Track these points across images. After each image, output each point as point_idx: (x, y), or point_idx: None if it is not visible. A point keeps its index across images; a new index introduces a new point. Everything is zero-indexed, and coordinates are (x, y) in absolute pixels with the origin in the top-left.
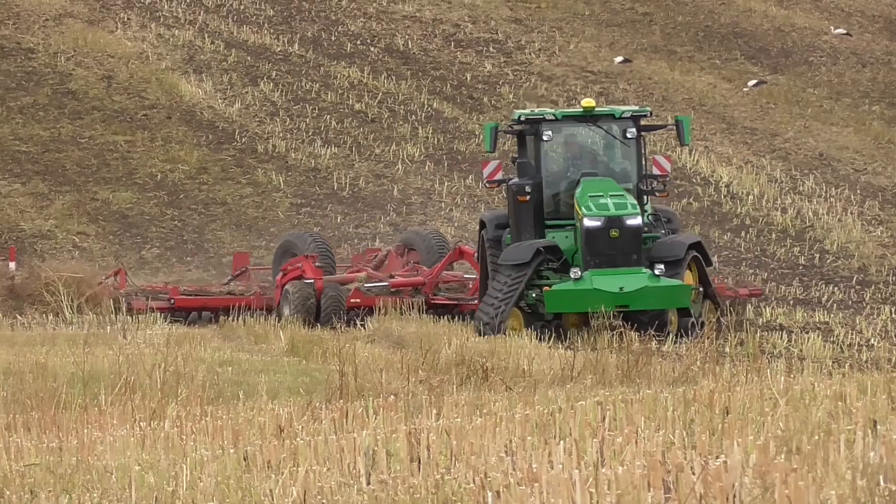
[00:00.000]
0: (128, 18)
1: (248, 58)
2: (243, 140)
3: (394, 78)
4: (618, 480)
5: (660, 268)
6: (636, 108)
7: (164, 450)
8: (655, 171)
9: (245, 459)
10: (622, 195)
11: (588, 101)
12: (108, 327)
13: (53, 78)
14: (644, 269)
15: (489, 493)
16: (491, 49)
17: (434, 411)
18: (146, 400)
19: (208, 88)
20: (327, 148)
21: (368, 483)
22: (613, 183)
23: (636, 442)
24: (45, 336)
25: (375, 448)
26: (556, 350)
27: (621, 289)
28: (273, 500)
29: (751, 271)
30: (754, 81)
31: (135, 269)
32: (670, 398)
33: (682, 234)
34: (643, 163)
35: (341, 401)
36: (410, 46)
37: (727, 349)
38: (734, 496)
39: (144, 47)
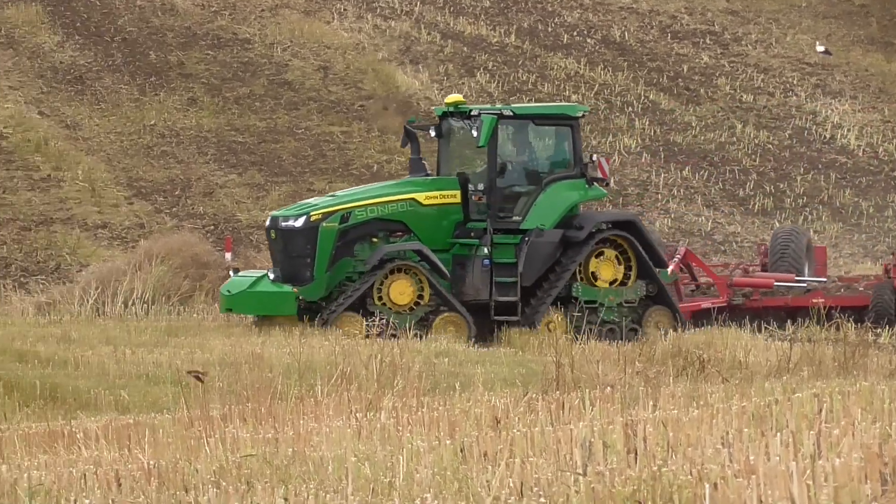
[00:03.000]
0: (344, 9)
1: (465, 49)
2: None
3: (610, 69)
4: (835, 472)
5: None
6: (502, 106)
7: (380, 441)
8: (598, 174)
9: (461, 451)
10: (350, 195)
11: (454, 97)
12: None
13: (270, 68)
14: (269, 273)
15: (706, 486)
16: (707, 40)
17: (650, 402)
18: (362, 391)
19: (424, 79)
20: None
21: (585, 474)
22: (399, 184)
23: (853, 434)
24: (260, 327)
25: (592, 439)
26: (773, 342)
27: (228, 291)
28: (490, 491)
29: None
30: (822, 48)
31: None
32: (887, 390)
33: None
34: (495, 160)
35: (557, 392)
36: (627, 38)
37: None
38: None
39: (361, 38)
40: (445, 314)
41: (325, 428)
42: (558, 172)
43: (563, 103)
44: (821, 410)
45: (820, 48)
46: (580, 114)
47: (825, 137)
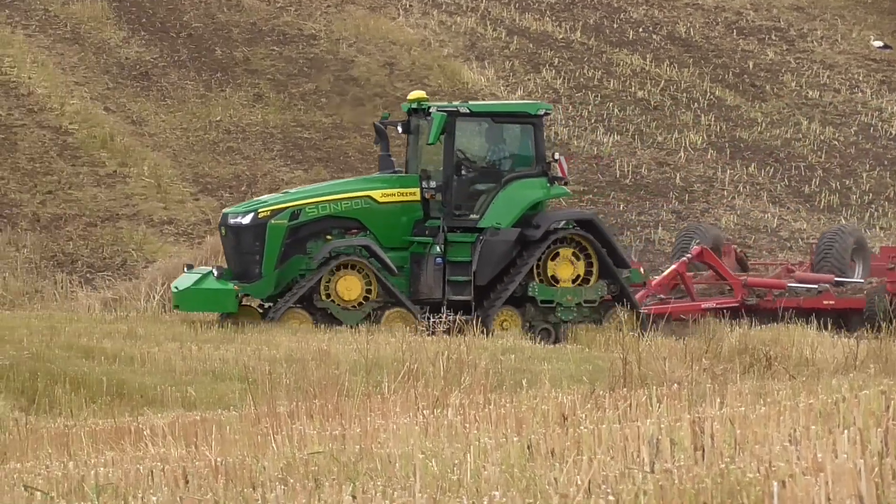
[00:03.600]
0: (409, 5)
1: (530, 45)
2: None
3: (676, 65)
4: None
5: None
6: (459, 103)
7: (447, 438)
8: (557, 173)
9: (529, 448)
10: (303, 192)
11: (416, 94)
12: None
13: (335, 64)
14: (212, 270)
15: (774, 484)
16: (773, 37)
17: (717, 400)
18: (429, 388)
19: (490, 76)
20: (609, 135)
21: (652, 472)
22: (362, 180)
23: None
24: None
25: (659, 437)
26: (840, 339)
27: (177, 288)
28: (557, 488)
29: None
30: (880, 44)
31: None
32: None
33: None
34: (451, 158)
35: (624, 389)
36: (692, 34)
37: None
38: None
39: (426, 34)
40: (393, 310)
41: (392, 425)
42: (519, 171)
43: (524, 101)
44: (888, 408)
45: (878, 43)
46: (541, 112)
47: (891, 134)
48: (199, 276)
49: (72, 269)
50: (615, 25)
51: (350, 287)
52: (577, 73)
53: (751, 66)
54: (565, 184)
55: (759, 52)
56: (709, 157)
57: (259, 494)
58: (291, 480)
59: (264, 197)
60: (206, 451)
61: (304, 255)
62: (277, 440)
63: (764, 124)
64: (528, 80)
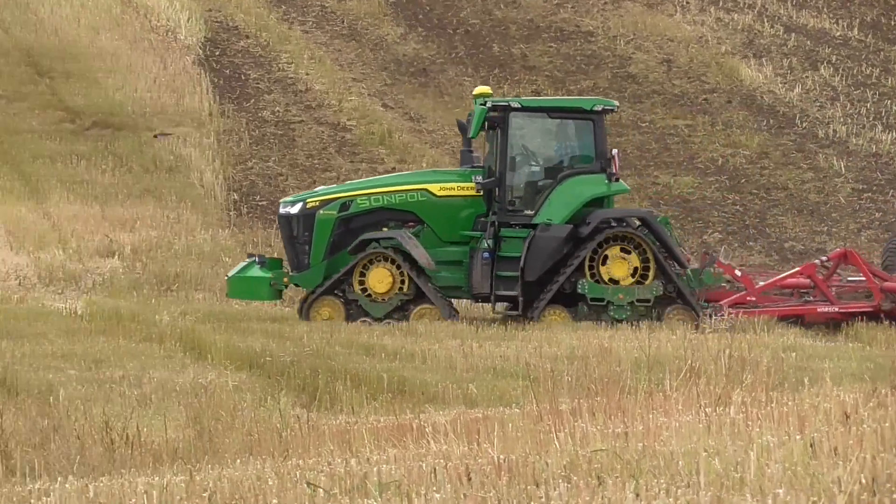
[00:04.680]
0: (687, 2)
1: (808, 42)
2: (804, 125)
3: None
4: None
5: None
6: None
7: (729, 436)
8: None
9: (811, 446)
10: (358, 184)
11: (480, 89)
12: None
13: (613, 61)
14: (255, 258)
15: None
16: None
17: None
18: (711, 385)
19: (768, 73)
20: (888, 133)
21: None
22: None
23: None
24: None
25: None
26: None
27: (227, 277)
28: (840, 486)
29: None
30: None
31: (696, 253)
32: None
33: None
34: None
35: None
36: None
37: None
38: None
39: (704, 31)
40: (423, 305)
41: (674, 422)
42: (577, 167)
43: (581, 97)
44: None
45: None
46: (598, 108)
47: None
48: (246, 264)
49: None
50: (893, 22)
51: (382, 279)
52: (855, 71)
53: None
54: (616, 179)
55: None
56: None
57: (542, 492)
58: (574, 478)
59: (321, 188)
60: (489, 449)
61: None
62: (560, 437)
63: None
64: (806, 77)
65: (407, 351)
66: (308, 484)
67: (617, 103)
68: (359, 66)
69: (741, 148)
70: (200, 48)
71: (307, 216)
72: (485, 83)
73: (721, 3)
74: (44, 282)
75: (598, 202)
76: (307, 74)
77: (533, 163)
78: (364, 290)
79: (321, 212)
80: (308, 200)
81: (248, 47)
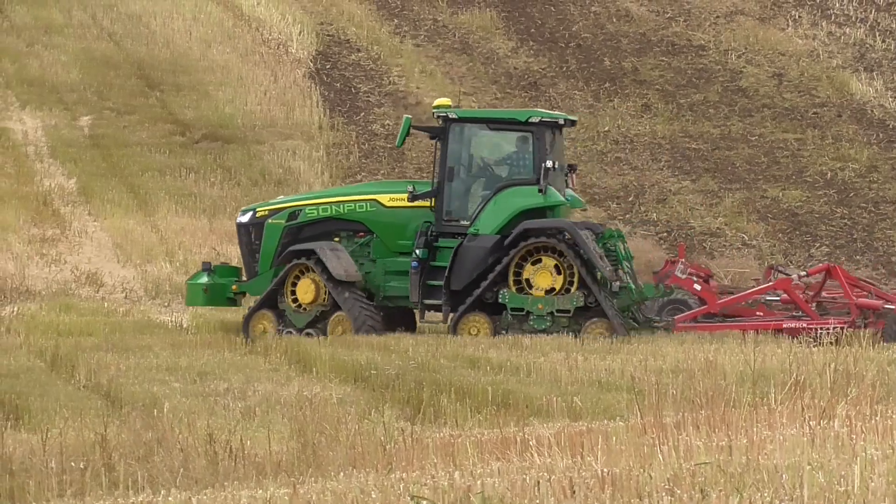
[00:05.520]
0: (799, 16)
1: None
2: None
3: None
4: None
5: None
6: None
7: (833, 449)
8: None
9: None
10: (310, 194)
11: (440, 101)
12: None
13: (724, 75)
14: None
15: None
16: None
17: None
18: (815, 398)
19: (879, 87)
20: None
21: None
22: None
23: None
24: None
25: None
26: None
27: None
28: None
29: None
30: None
31: (803, 266)
32: None
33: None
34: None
35: None
36: None
37: None
38: None
39: (815, 45)
40: (338, 314)
41: (778, 436)
42: (515, 179)
43: (517, 109)
44: None
45: None
46: (535, 119)
47: None
48: (197, 272)
49: None
50: None
51: (307, 290)
52: None
53: None
54: (574, 190)
55: None
56: None
57: None
58: (678, 491)
59: (280, 197)
60: (592, 462)
61: None
62: (663, 451)
63: None
64: None
65: (512, 364)
66: (412, 497)
67: (573, 117)
68: (470, 79)
69: (850, 162)
70: (311, 61)
71: (257, 225)
72: (595, 97)
73: (833, 18)
74: (150, 294)
75: (540, 213)
76: (418, 88)
77: (471, 174)
78: (294, 300)
79: (269, 221)
80: (258, 210)
81: (360, 60)
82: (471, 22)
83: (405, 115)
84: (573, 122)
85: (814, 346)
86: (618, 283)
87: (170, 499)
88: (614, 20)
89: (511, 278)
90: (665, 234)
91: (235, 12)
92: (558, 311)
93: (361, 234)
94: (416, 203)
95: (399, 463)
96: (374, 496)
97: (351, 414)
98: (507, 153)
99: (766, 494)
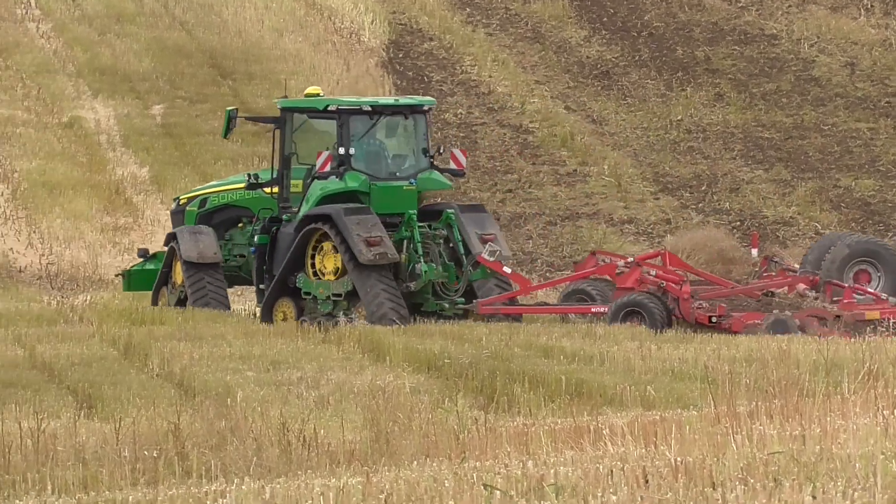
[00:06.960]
0: (871, 5)
1: None
2: None
3: None
4: None
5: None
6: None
7: None
8: (452, 165)
9: None
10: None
11: (312, 89)
12: None
13: (796, 64)
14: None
15: None
16: None
17: None
18: (889, 388)
19: None
20: None
21: None
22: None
23: None
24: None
25: None
26: None
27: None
28: None
29: None
30: None
31: None
32: None
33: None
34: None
35: None
36: None
37: None
38: None
39: (888, 34)
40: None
41: (851, 425)
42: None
43: (335, 97)
44: None
45: None
46: (332, 108)
47: None
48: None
49: (531, 269)
50: None
51: (178, 272)
52: None
53: None
54: (462, 175)
55: None
56: None
57: (719, 494)
58: (751, 480)
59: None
60: (666, 451)
61: (224, 241)
62: (737, 440)
63: None
64: None
65: (586, 353)
66: (485, 486)
67: (411, 101)
68: (542, 68)
69: None
70: (384, 50)
71: (180, 212)
72: (668, 86)
73: None
74: None
75: (351, 198)
76: (490, 77)
77: (301, 162)
78: (174, 283)
79: (188, 208)
80: (181, 198)
81: (432, 49)
82: (543, 11)
83: (227, 108)
84: (410, 107)
85: (887, 336)
86: (418, 266)
87: (243, 487)
88: (686, 9)
89: (308, 263)
90: (738, 223)
91: (307, 1)
92: (334, 294)
93: (254, 219)
94: (255, 191)
95: (472, 452)
96: (447, 485)
97: (424, 403)
98: (328, 141)
99: (839, 483)
